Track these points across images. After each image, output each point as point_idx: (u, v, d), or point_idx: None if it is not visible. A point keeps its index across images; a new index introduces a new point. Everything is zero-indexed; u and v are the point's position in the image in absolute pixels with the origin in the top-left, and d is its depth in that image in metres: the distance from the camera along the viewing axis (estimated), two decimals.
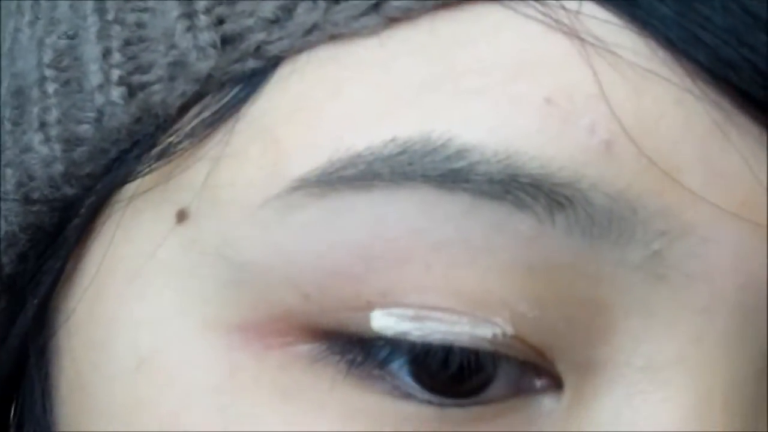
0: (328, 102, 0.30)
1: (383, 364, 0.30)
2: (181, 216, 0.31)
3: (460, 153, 0.29)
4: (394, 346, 0.30)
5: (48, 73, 0.34)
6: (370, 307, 0.30)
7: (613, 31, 0.30)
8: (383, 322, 0.30)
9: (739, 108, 0.30)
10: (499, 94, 0.29)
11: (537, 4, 0.30)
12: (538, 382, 0.31)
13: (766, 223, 0.30)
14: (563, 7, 0.30)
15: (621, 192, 0.29)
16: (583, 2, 0.30)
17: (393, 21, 0.30)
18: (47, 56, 0.34)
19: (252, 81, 0.31)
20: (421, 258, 0.29)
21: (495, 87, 0.29)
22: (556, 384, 0.31)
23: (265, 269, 0.30)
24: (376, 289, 0.30)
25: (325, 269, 0.30)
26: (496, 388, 0.30)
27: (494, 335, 0.30)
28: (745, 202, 0.30)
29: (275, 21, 0.31)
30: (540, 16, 0.30)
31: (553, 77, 0.29)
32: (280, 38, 0.31)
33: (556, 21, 0.29)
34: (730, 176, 0.30)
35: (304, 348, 0.30)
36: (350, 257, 0.30)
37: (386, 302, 0.30)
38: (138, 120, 0.32)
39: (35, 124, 0.34)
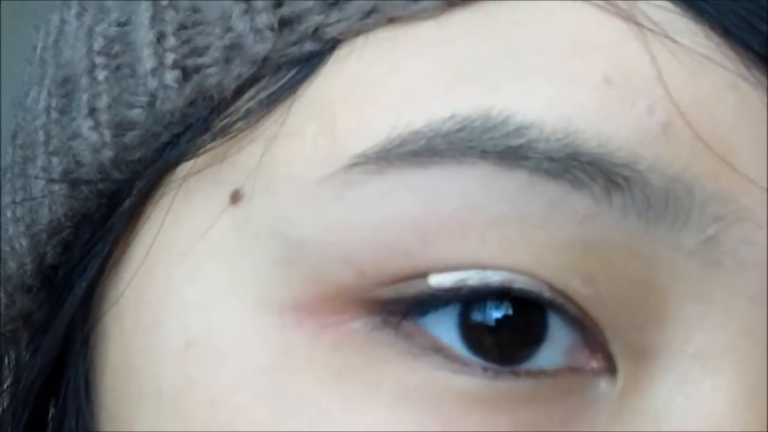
0: (386, 79, 0.30)
1: (435, 332, 0.30)
2: (235, 196, 0.31)
3: (519, 130, 0.29)
4: (447, 305, 0.30)
5: (99, 60, 0.34)
6: (427, 273, 0.30)
7: (670, 16, 0.30)
8: (441, 278, 0.30)
9: None
10: (557, 72, 0.30)
11: None
12: (593, 363, 0.31)
13: None
14: None
15: (678, 174, 0.29)
16: None
17: (451, 4, 0.30)
18: (98, 44, 0.34)
19: (309, 63, 0.31)
20: (477, 233, 0.30)
21: (553, 65, 0.30)
22: (609, 367, 0.31)
23: (320, 246, 0.30)
24: (433, 262, 0.30)
25: (381, 244, 0.30)
26: (548, 354, 0.30)
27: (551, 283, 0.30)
28: None
29: (333, 4, 0.31)
30: (598, 1, 0.30)
31: (610, 58, 0.30)
32: (338, 21, 0.31)
33: (614, 5, 0.30)
34: None
35: (359, 324, 0.30)
36: (406, 232, 0.30)
37: (444, 269, 0.30)
38: (192, 103, 0.32)
39: (84, 111, 0.34)
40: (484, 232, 0.30)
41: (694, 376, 0.30)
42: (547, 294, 0.30)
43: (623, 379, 0.31)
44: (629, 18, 0.30)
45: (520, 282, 0.30)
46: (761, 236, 0.30)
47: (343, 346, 0.30)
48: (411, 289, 0.30)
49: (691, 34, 0.30)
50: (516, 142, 0.29)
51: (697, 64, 0.30)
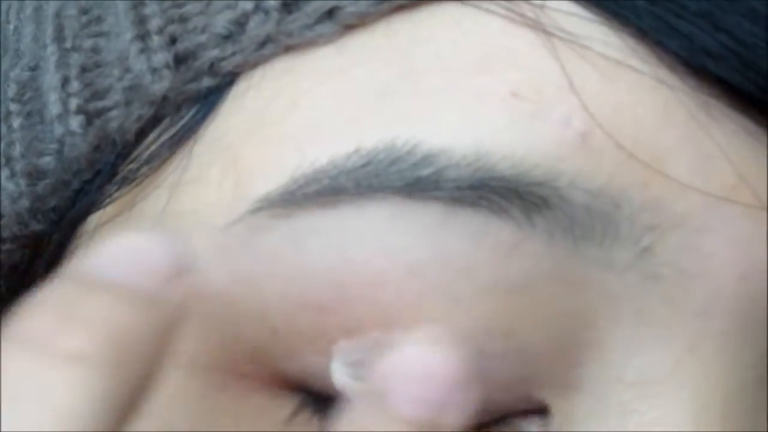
0: (287, 115, 0.29)
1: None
2: None
3: (427, 159, 0.28)
4: None
5: (13, 107, 0.33)
6: (330, 352, 0.28)
7: (581, 23, 0.28)
8: (341, 378, 0.28)
9: (719, 95, 0.28)
10: (463, 91, 0.28)
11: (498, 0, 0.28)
12: (520, 405, 0.29)
13: (760, 203, 0.28)
14: (527, 1, 0.28)
15: (602, 187, 0.28)
16: None
17: (349, 28, 0.29)
18: (11, 90, 0.33)
19: (208, 100, 0.30)
20: (393, 283, 0.28)
21: (457, 84, 0.28)
22: (540, 408, 0.29)
23: (232, 301, 0.29)
24: (343, 325, 0.28)
25: (292, 299, 0.28)
26: None
27: None
28: (736, 185, 0.28)
29: (228, 36, 0.29)
30: (502, 11, 0.28)
31: (518, 70, 0.28)
32: (234, 53, 0.29)
33: (520, 15, 0.28)
34: (716, 161, 0.28)
35: (278, 398, 0.29)
36: (319, 284, 0.28)
37: (347, 347, 0.28)
38: (97, 148, 0.31)
39: (2, 160, 0.33)
40: (401, 281, 0.28)
41: (635, 407, 0.28)
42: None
43: (558, 418, 0.29)
44: (536, 26, 0.28)
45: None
46: (703, 241, 0.28)
47: (269, 413, 0.29)
48: (316, 378, 0.28)
49: (604, 38, 0.28)
50: (425, 172, 0.28)
51: (613, 69, 0.28)
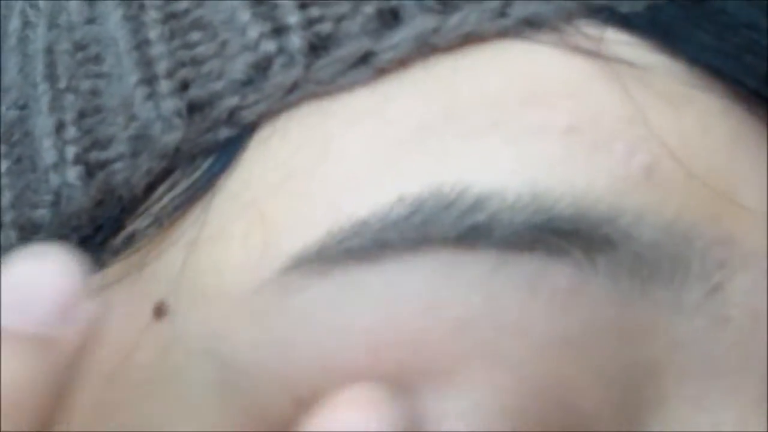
0: (318, 163, 0.26)
1: None
2: (159, 311, 0.27)
3: (479, 203, 0.25)
4: None
5: (1, 148, 0.30)
6: None
7: (641, 53, 0.26)
8: None
9: None
10: (514, 127, 0.25)
11: (551, 32, 0.26)
12: None
13: None
14: (582, 33, 0.26)
15: (671, 222, 0.25)
16: (607, 28, 0.26)
17: (385, 71, 0.26)
18: None
19: (227, 150, 0.27)
20: (435, 344, 0.25)
21: (508, 120, 0.25)
22: None
23: (257, 368, 0.26)
24: None
25: (322, 365, 0.26)
26: None
27: None
28: None
29: (248, 82, 0.27)
30: (554, 40, 0.26)
31: (574, 102, 0.26)
32: (256, 102, 0.27)
33: (575, 46, 0.25)
34: None
35: None
36: (354, 347, 0.25)
37: None
38: (100, 203, 0.28)
39: None
40: (444, 341, 0.25)
41: None
42: None
43: None
44: (594, 55, 0.25)
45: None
46: None
47: None
48: None
49: (667, 68, 0.26)
50: (477, 218, 0.25)
51: (678, 97, 0.26)
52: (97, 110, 0.28)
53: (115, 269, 0.28)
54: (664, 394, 0.26)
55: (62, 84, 0.29)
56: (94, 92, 0.28)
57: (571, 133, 0.25)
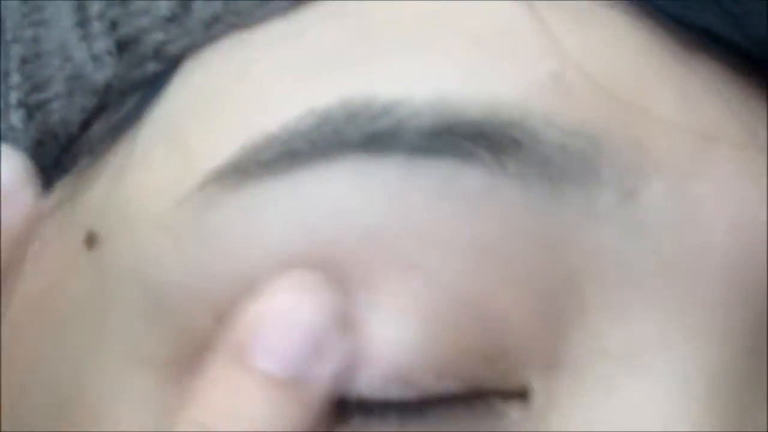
0: (235, 86, 0.27)
1: None
2: (91, 240, 0.29)
3: (385, 111, 0.26)
4: None
5: None
6: None
7: None
8: None
9: (700, 39, 0.27)
10: (422, 41, 0.26)
11: None
12: (500, 386, 0.27)
13: (749, 144, 0.26)
14: None
15: (578, 125, 0.26)
16: None
17: (301, 2, 0.27)
18: None
19: (154, 85, 0.28)
20: (347, 251, 0.26)
21: (417, 35, 0.26)
22: (521, 389, 0.27)
23: (182, 288, 0.27)
24: None
25: (239, 278, 0.26)
26: None
27: None
28: (722, 125, 0.26)
29: (172, 18, 0.28)
30: None
31: (481, 15, 0.26)
32: (180, 36, 0.28)
33: None
34: (700, 100, 0.26)
35: None
36: (267, 257, 0.26)
37: None
38: (40, 143, 0.29)
39: None
40: (356, 248, 0.26)
41: (621, 383, 0.27)
42: None
43: (540, 398, 0.27)
44: None
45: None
46: (689, 185, 0.26)
47: None
48: None
49: None
50: (383, 124, 0.26)
51: (584, 11, 0.27)
52: (37, 56, 0.30)
53: (50, 201, 0.29)
54: (585, 305, 0.27)
55: (9, 36, 0.30)
56: (36, 39, 0.30)
57: (477, 44, 0.26)
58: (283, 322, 0.26)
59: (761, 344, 0.28)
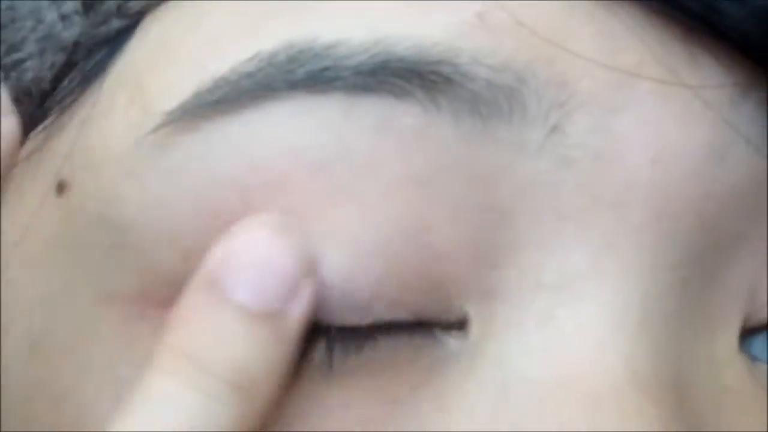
0: (189, 36, 0.29)
1: None
2: (60, 187, 0.31)
3: (325, 51, 0.28)
4: None
5: None
6: None
7: None
8: None
9: None
10: None
11: None
12: (440, 317, 0.29)
13: (669, 80, 0.28)
14: None
15: (504, 62, 0.27)
16: None
17: None
18: None
19: (118, 40, 0.30)
20: (297, 185, 0.28)
21: None
22: (460, 319, 0.29)
23: (146, 227, 0.29)
24: None
25: (201, 216, 0.28)
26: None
27: None
28: (643, 62, 0.28)
29: None
30: None
31: None
32: None
33: None
34: (621, 39, 0.28)
35: None
36: (225, 194, 0.28)
37: None
38: (16, 101, 0.31)
39: None
40: (306, 182, 0.28)
41: (554, 313, 0.28)
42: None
43: (477, 328, 0.29)
44: None
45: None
46: (612, 121, 0.28)
47: None
48: None
49: None
50: (323, 63, 0.28)
51: None
52: (13, 20, 0.32)
53: (23, 153, 0.31)
54: (518, 239, 0.28)
55: None
56: (12, 7, 0.32)
57: None
58: (258, 260, 0.27)
59: (693, 277, 0.29)
